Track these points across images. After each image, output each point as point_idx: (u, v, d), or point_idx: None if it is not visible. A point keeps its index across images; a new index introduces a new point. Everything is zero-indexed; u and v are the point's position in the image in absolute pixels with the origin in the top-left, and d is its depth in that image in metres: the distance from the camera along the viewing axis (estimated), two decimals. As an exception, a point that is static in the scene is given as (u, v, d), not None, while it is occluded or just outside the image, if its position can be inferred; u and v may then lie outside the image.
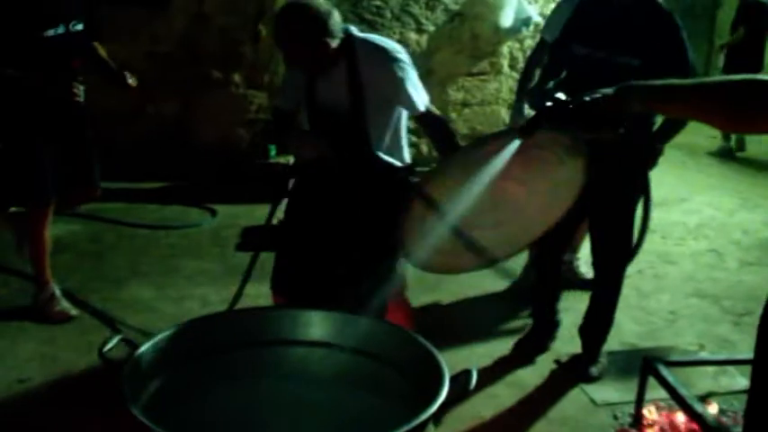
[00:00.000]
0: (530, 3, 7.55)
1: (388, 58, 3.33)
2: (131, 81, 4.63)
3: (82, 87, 4.34)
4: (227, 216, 6.55)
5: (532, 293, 4.58)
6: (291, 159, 7.13)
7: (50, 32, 4.13)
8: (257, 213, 6.47)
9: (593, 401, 3.84)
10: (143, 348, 2.29)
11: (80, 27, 4.29)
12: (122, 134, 7.03)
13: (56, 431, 3.48)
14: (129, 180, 6.94)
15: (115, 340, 2.32)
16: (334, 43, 3.22)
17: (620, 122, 2.21)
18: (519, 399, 3.85)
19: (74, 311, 4.58)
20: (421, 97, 3.40)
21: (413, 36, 7.45)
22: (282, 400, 2.39)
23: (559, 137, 2.74)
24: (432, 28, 7.63)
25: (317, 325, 2.56)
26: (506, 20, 7.41)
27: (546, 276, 4.36)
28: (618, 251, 4.05)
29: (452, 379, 2.15)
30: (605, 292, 4.11)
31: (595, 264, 4.08)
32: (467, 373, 2.25)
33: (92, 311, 4.67)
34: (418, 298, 4.45)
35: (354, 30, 3.39)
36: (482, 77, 7.91)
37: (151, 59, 7.11)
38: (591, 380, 3.99)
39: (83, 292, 4.92)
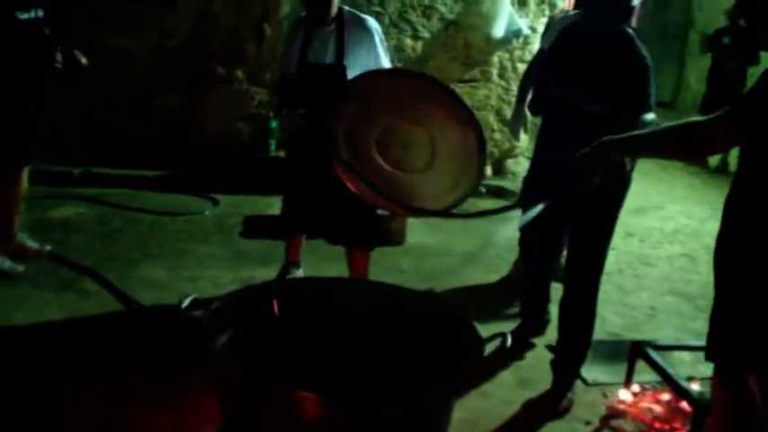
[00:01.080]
0: (520, 16, 7.86)
1: (367, 26, 4.46)
2: (84, 60, 5.14)
3: (60, 56, 4.91)
4: (230, 205, 6.83)
5: (521, 293, 4.83)
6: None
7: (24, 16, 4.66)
8: (258, 204, 6.83)
9: (584, 381, 4.18)
10: (215, 306, 2.60)
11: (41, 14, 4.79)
12: (129, 123, 7.28)
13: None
14: (132, 167, 7.22)
15: (189, 299, 2.63)
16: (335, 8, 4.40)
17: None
18: (516, 379, 4.16)
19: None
20: (386, 60, 4.50)
21: (409, 42, 7.76)
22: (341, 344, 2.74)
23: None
24: (427, 35, 7.94)
25: (369, 297, 2.88)
26: (498, 31, 7.73)
27: (535, 283, 4.54)
28: (594, 265, 3.93)
29: (489, 339, 2.50)
30: (579, 328, 4.01)
31: (569, 279, 4.01)
32: (503, 334, 2.60)
33: (110, 288, 4.93)
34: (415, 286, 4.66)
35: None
36: (473, 84, 8.21)
37: (159, 53, 7.40)
38: (560, 414, 3.89)
39: (98, 270, 5.16)
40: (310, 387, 2.14)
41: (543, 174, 3.90)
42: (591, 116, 3.54)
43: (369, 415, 2.20)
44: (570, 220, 3.94)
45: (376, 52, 4.45)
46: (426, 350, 2.67)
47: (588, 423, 3.87)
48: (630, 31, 3.67)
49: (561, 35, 3.96)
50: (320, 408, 2.14)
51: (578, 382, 4.10)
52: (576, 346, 4.00)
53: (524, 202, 3.56)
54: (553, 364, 4.06)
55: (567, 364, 4.01)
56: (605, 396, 4.08)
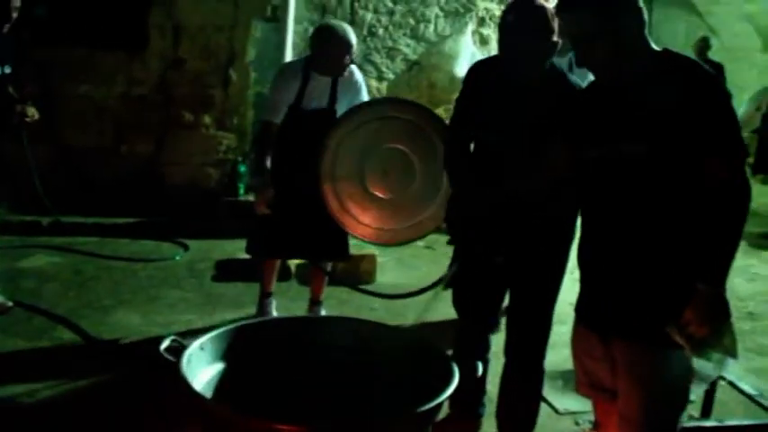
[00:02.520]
0: (483, 55, 8.02)
1: (356, 75, 4.90)
2: (36, 116, 5.42)
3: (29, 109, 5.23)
4: (200, 250, 6.88)
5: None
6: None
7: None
8: (228, 248, 6.87)
9: (555, 410, 4.25)
10: (193, 347, 2.66)
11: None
12: (97, 171, 7.34)
13: None
14: (102, 215, 7.26)
15: (168, 340, 2.68)
16: None
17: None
18: (487, 411, 4.20)
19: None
20: None
21: (374, 83, 7.89)
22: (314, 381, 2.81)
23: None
24: (391, 76, 8.11)
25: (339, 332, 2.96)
26: (461, 70, 7.87)
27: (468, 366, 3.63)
28: (541, 341, 3.62)
29: (460, 368, 2.58)
30: (533, 387, 3.71)
31: (511, 355, 3.67)
32: (473, 363, 2.68)
33: (84, 336, 4.94)
34: (386, 320, 4.72)
35: None
36: (437, 123, 8.35)
37: (127, 101, 7.47)
38: None
39: (73, 318, 5.17)
40: (290, 421, 2.20)
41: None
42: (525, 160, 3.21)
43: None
44: (513, 280, 3.60)
45: (360, 98, 4.89)
46: (402, 382, 2.74)
47: (561, 451, 3.95)
48: (559, 64, 3.56)
49: (478, 77, 3.62)
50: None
51: (550, 411, 4.17)
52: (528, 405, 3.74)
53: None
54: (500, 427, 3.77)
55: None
56: (577, 424, 4.15)
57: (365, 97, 4.95)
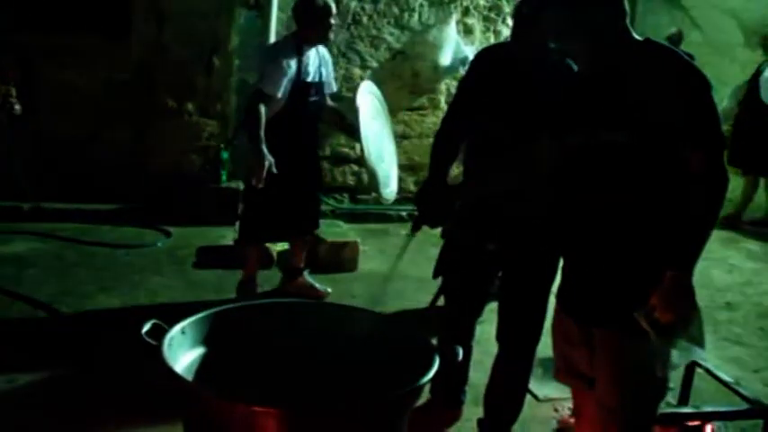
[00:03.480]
0: (466, 44, 8.05)
1: (326, 49, 5.42)
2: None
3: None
4: (182, 237, 6.89)
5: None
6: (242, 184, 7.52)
7: None
8: (210, 234, 6.89)
9: (536, 397, 4.29)
10: (174, 330, 2.66)
11: None
12: (79, 158, 7.30)
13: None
14: (84, 202, 7.23)
15: (150, 324, 2.69)
16: None
17: None
18: (471, 397, 4.17)
19: None
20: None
21: (357, 72, 7.89)
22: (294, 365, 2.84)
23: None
24: (375, 64, 8.10)
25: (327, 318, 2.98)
26: (445, 59, 7.91)
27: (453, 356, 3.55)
28: (532, 329, 3.64)
29: (441, 354, 2.59)
30: (519, 375, 3.76)
31: (504, 342, 3.71)
32: (454, 348, 2.69)
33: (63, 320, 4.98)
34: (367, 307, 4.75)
35: None
36: (421, 112, 8.41)
37: (108, 86, 7.43)
38: None
39: (54, 304, 5.19)
40: (271, 403, 2.22)
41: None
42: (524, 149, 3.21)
43: (329, 428, 2.27)
44: (506, 269, 3.65)
45: (329, 71, 5.40)
46: (383, 367, 2.75)
47: (540, 438, 3.99)
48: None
49: (485, 65, 3.63)
50: (281, 423, 2.22)
51: (530, 398, 4.19)
52: (503, 419, 3.80)
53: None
54: (481, 423, 3.83)
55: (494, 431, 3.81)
56: (556, 411, 4.19)
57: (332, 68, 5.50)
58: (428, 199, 3.54)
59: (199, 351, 2.74)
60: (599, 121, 2.64)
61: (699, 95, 2.53)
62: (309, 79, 5.15)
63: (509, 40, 3.65)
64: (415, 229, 3.56)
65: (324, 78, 5.29)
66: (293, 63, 5.04)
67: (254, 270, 5.49)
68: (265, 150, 4.87)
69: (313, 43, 5.17)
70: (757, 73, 8.58)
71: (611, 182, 2.65)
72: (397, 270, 5.39)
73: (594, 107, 2.68)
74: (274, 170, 4.89)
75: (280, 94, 4.99)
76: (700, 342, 2.62)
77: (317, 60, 5.24)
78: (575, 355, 2.92)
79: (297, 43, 5.12)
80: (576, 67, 3.31)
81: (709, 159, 2.52)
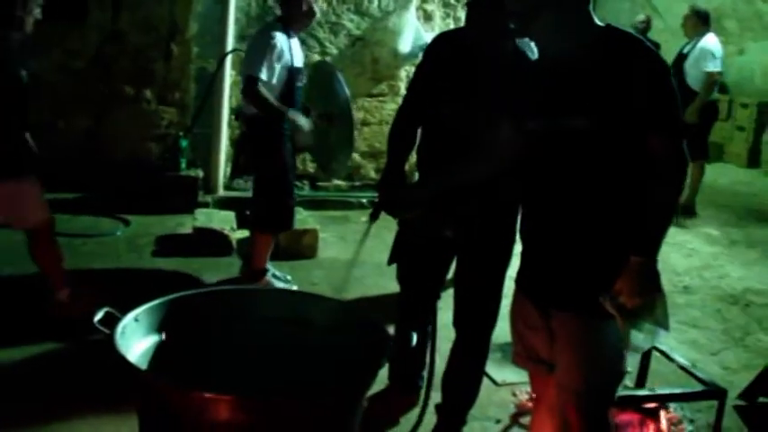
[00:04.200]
0: (426, 30, 8.02)
1: None
2: None
3: None
4: (141, 226, 6.83)
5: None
6: (201, 172, 7.47)
7: None
8: (169, 223, 6.84)
9: (494, 382, 4.31)
10: (127, 318, 2.63)
11: None
12: (36, 147, 7.18)
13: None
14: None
15: (102, 312, 2.66)
16: None
17: None
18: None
19: None
20: None
21: (317, 58, 7.83)
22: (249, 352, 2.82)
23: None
24: (335, 51, 8.05)
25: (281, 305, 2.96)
26: (405, 46, 7.87)
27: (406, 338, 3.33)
28: (488, 315, 3.62)
29: (396, 339, 2.60)
30: (475, 361, 3.74)
31: (461, 327, 3.68)
32: (408, 333, 2.70)
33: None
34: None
35: None
36: (381, 99, 8.38)
37: (64, 74, 7.33)
38: None
39: (9, 294, 5.16)
40: (224, 390, 2.20)
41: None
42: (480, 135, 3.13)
43: (284, 414, 2.26)
44: (462, 253, 3.62)
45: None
46: (338, 353, 2.75)
47: (498, 421, 4.01)
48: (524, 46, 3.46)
49: (441, 51, 3.60)
50: (234, 409, 2.21)
51: (488, 383, 4.22)
52: (460, 403, 3.80)
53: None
54: (439, 408, 3.79)
55: (451, 415, 3.79)
56: (515, 395, 4.21)
57: None
58: (389, 187, 3.55)
59: (153, 339, 2.71)
60: (560, 108, 2.64)
61: (660, 81, 2.54)
62: (298, 65, 5.28)
63: (465, 25, 3.60)
64: (375, 216, 3.56)
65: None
66: (286, 49, 5.13)
67: (266, 259, 5.53)
68: (294, 112, 5.13)
69: (298, 30, 5.36)
70: (680, 57, 8.58)
71: (572, 168, 2.65)
72: (355, 255, 5.43)
73: (555, 93, 2.68)
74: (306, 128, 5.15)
75: (275, 80, 5.08)
76: (664, 325, 2.63)
77: (298, 45, 5.39)
78: (534, 340, 2.93)
79: (285, 29, 5.21)
80: (534, 54, 3.30)
81: (670, 144, 2.54)
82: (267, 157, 5.31)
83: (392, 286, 4.04)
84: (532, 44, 3.13)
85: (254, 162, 5.59)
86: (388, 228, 3.93)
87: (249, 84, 5.02)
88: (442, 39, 3.72)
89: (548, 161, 2.71)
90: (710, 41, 8.49)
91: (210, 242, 6.23)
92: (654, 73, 2.54)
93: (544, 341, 2.89)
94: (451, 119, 3.43)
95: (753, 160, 11.96)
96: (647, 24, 10.24)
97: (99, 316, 2.64)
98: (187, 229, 6.53)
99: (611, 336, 2.70)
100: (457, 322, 3.67)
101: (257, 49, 5.13)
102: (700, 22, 8.64)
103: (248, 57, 5.22)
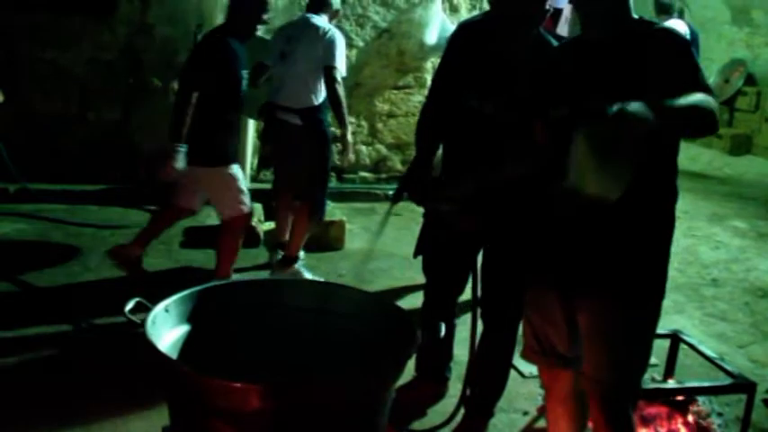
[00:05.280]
0: (452, 22, 7.99)
1: None
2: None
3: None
4: (168, 217, 6.84)
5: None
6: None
7: None
8: (197, 215, 6.83)
9: (521, 374, 4.31)
10: (157, 308, 2.66)
11: None
12: (64, 138, 7.28)
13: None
14: (70, 182, 7.20)
15: (133, 302, 2.69)
16: None
17: None
18: (456, 374, 4.20)
19: None
20: None
21: (344, 51, 7.85)
22: (278, 342, 2.84)
23: None
24: (361, 44, 8.06)
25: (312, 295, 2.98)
26: (431, 37, 7.85)
27: (436, 330, 3.57)
28: (515, 307, 3.42)
29: (423, 330, 2.60)
30: (502, 353, 3.74)
31: (488, 318, 3.66)
32: (436, 324, 2.71)
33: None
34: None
35: None
36: (407, 90, 8.38)
37: (94, 66, 7.39)
38: None
39: (39, 284, 5.20)
40: (253, 380, 2.22)
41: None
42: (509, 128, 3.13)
43: (314, 403, 2.27)
44: (488, 245, 3.63)
45: None
46: (365, 343, 2.76)
47: (526, 413, 4.01)
48: (546, 34, 3.49)
49: (465, 41, 3.58)
50: (263, 398, 2.22)
51: (515, 375, 4.21)
52: (488, 395, 3.81)
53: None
54: (466, 401, 3.74)
55: (479, 407, 3.80)
56: (542, 387, 4.19)
57: None
58: (418, 180, 3.58)
59: (183, 329, 2.73)
60: (590, 91, 2.64)
61: (685, 54, 2.59)
62: None
63: (487, 12, 3.56)
64: (396, 199, 3.58)
65: None
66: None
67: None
68: None
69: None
70: None
71: None
72: (382, 247, 5.45)
73: (586, 77, 2.69)
74: None
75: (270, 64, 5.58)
76: (610, 189, 2.42)
77: None
78: (551, 334, 2.92)
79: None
80: (553, 42, 3.38)
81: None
82: (325, 147, 5.54)
83: (420, 278, 4.04)
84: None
85: (312, 152, 5.58)
86: (416, 220, 3.94)
87: (333, 81, 5.31)
88: (464, 28, 3.70)
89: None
90: (672, 24, 8.47)
91: (238, 233, 6.24)
92: (679, 51, 2.59)
93: (562, 335, 2.89)
94: (478, 109, 3.40)
95: (782, 152, 11.85)
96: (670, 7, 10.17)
97: (130, 306, 2.67)
98: (215, 221, 6.54)
99: (639, 326, 2.70)
100: (484, 314, 3.66)
101: (338, 44, 5.37)
102: (660, 10, 8.70)
103: (330, 49, 5.34)
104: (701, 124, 2.50)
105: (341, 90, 5.33)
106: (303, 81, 5.35)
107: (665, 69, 2.54)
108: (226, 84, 4.80)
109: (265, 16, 4.94)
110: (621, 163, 2.37)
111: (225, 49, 4.76)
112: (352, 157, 5.83)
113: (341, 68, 5.33)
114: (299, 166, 5.56)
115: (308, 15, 5.58)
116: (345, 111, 5.40)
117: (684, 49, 2.61)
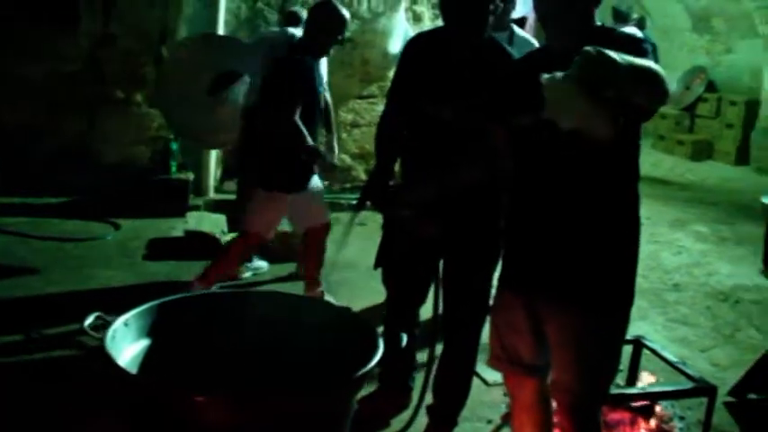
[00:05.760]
0: (416, 32, 8.02)
1: None
2: None
3: None
4: (131, 229, 6.80)
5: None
6: (191, 175, 7.47)
7: None
8: (160, 226, 6.83)
9: (485, 382, 4.32)
10: (117, 323, 2.65)
11: None
12: (26, 150, 7.21)
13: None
14: (33, 195, 7.13)
15: (93, 317, 2.68)
16: None
17: None
18: (419, 382, 4.21)
19: None
20: None
21: (307, 60, 7.85)
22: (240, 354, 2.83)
23: None
24: (325, 53, 8.05)
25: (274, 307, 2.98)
26: (394, 47, 7.87)
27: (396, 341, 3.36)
28: (477, 316, 3.63)
29: (385, 340, 2.61)
30: (465, 361, 3.75)
31: (449, 328, 3.70)
32: (398, 334, 2.72)
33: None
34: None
35: None
36: (371, 100, 8.38)
37: (56, 77, 7.34)
38: None
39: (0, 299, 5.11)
40: (215, 392, 2.22)
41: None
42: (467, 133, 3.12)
43: (275, 413, 2.28)
44: (449, 254, 3.62)
45: None
46: (328, 354, 2.76)
47: (490, 422, 4.03)
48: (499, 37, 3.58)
49: (419, 50, 3.60)
50: (225, 410, 2.22)
51: (479, 383, 4.23)
52: (452, 404, 3.81)
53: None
54: (429, 410, 3.79)
55: (442, 417, 3.80)
56: (506, 395, 4.22)
57: None
58: (378, 188, 3.59)
59: (144, 343, 2.73)
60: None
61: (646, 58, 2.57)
62: None
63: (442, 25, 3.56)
64: (359, 207, 3.60)
65: None
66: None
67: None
68: None
69: None
70: None
71: (566, 160, 2.64)
72: (347, 257, 5.45)
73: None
74: None
75: None
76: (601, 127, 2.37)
77: None
78: (517, 342, 2.93)
79: None
80: (507, 49, 3.46)
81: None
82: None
83: (383, 289, 4.05)
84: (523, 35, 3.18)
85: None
86: (378, 231, 3.94)
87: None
88: (417, 37, 3.77)
89: (542, 153, 2.71)
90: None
91: (201, 245, 6.22)
92: (636, 52, 2.53)
93: (528, 343, 2.90)
94: (433, 116, 3.41)
95: (741, 158, 12.01)
96: (639, 24, 10.28)
97: (89, 321, 2.66)
98: (178, 233, 6.53)
99: (608, 334, 2.72)
100: (446, 323, 3.67)
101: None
102: (618, 18, 8.87)
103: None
104: (654, 81, 2.44)
105: (329, 97, 5.71)
106: None
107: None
108: (312, 104, 4.86)
109: (340, 36, 5.01)
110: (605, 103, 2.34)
111: (309, 68, 4.82)
112: (336, 161, 5.91)
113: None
114: None
115: (289, 29, 6.02)
116: (333, 117, 5.88)
117: (645, 54, 2.61)
